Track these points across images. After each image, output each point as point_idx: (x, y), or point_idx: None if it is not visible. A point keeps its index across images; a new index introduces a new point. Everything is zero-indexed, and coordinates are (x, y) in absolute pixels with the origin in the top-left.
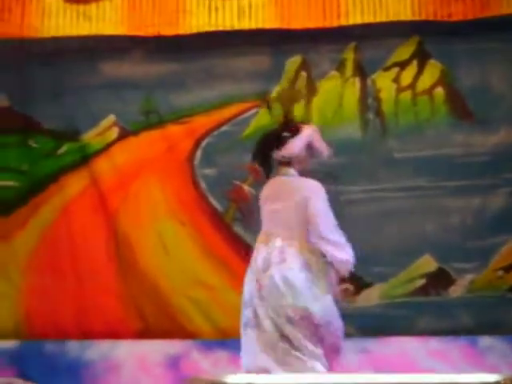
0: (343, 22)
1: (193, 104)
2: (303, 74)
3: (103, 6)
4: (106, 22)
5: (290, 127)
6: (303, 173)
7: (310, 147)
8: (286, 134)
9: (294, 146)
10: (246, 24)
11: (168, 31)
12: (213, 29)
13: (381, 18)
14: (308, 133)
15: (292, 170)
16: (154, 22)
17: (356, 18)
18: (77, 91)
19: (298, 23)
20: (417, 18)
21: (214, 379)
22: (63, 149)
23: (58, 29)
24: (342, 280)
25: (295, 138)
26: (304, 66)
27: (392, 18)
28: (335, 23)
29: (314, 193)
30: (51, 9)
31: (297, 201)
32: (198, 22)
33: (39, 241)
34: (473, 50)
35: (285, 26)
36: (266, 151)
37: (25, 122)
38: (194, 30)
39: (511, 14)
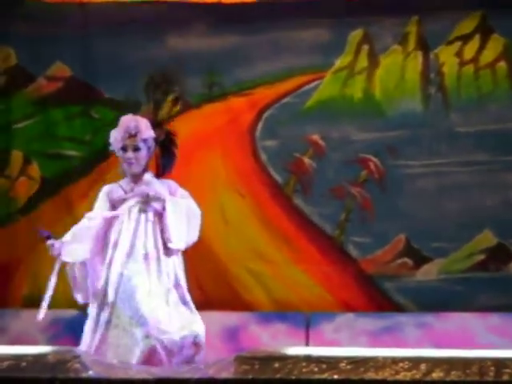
0: None
1: (255, 76)
2: (365, 47)
3: None
4: None
5: None
6: None
7: None
8: None
9: None
10: None
11: None
12: None
13: None
14: None
15: None
16: None
17: None
18: (140, 62)
19: None
20: None
21: (273, 351)
22: None
23: None
24: None
25: None
26: (366, 39)
27: None
28: None
29: None
30: None
31: None
32: None
33: None
34: None
35: None
36: None
37: (87, 91)
38: None
39: None
